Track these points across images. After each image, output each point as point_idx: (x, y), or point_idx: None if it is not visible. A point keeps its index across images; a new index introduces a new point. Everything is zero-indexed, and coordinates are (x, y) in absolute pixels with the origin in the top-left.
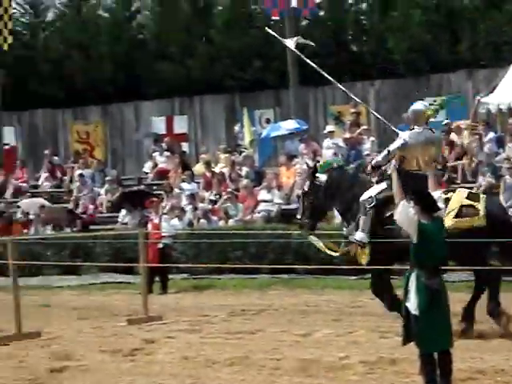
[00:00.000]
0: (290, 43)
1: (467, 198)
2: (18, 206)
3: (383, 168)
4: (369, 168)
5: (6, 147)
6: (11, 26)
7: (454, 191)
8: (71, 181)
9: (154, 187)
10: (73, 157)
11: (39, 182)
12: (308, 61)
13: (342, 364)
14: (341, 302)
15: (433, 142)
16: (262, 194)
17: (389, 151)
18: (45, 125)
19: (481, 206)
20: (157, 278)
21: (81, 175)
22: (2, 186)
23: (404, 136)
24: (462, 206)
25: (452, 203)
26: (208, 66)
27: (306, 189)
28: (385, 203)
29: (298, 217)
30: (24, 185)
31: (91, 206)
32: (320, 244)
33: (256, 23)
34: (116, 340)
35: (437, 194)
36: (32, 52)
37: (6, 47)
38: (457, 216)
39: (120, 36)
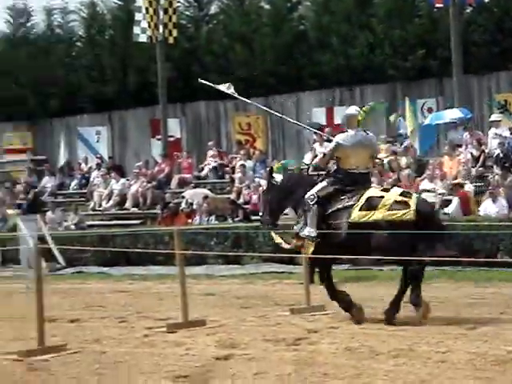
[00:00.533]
0: (223, 88)
1: (400, 195)
2: (183, 197)
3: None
4: (310, 170)
5: (171, 139)
6: (176, 19)
7: (389, 190)
8: (233, 171)
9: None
10: (235, 148)
11: (203, 173)
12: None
13: (511, 357)
14: (507, 294)
15: (366, 143)
16: (424, 184)
17: (324, 154)
18: (208, 116)
19: (412, 203)
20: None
21: (243, 166)
22: (168, 177)
23: (337, 139)
24: (395, 202)
25: (386, 199)
26: (369, 55)
27: (265, 188)
28: (326, 200)
29: (260, 214)
30: (188, 176)
31: (254, 197)
32: (278, 239)
33: (419, 11)
34: (279, 329)
35: (373, 190)
36: (196, 45)
37: (171, 40)
38: (389, 210)
39: (281, 28)
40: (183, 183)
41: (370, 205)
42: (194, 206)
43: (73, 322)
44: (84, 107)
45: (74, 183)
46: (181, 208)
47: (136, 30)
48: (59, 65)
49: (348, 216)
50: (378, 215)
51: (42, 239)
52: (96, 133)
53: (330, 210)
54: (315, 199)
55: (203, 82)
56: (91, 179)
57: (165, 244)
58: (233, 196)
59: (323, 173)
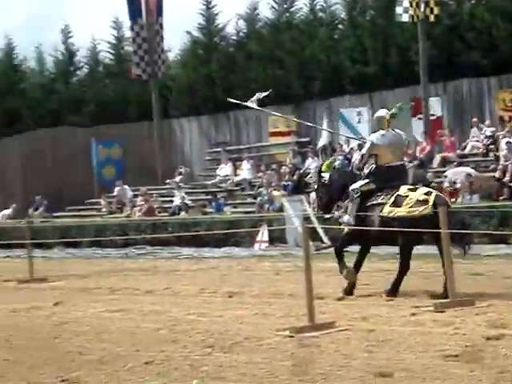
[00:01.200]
0: (251, 104)
1: (425, 194)
2: (445, 176)
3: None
4: (354, 170)
5: (433, 118)
6: None
7: (416, 189)
8: (497, 149)
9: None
10: (499, 125)
11: (466, 151)
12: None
13: None
14: None
15: (397, 140)
16: None
17: (362, 154)
18: (470, 93)
19: (431, 199)
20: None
21: (508, 143)
22: (429, 156)
23: (370, 138)
24: (417, 200)
25: (410, 197)
26: None
27: (315, 186)
28: (366, 195)
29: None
30: (451, 154)
31: None
32: None
33: None
34: None
35: (403, 189)
36: (457, 21)
37: (432, 18)
38: (411, 207)
39: None
40: (446, 162)
41: (397, 202)
42: (458, 185)
43: (339, 300)
44: (345, 89)
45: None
46: (443, 187)
47: (398, 10)
48: (322, 48)
49: (380, 210)
50: (401, 211)
51: (307, 219)
52: (357, 114)
53: (368, 204)
54: (358, 193)
55: (231, 100)
56: (353, 160)
57: None
58: (498, 174)
59: (366, 171)
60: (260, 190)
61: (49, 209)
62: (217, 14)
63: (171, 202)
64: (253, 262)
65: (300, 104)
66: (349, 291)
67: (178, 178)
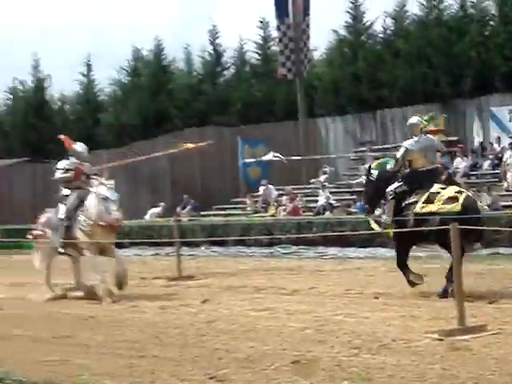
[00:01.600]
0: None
1: (456, 192)
2: None
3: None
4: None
5: None
6: None
7: (446, 188)
8: None
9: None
10: None
11: None
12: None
13: None
14: None
15: (429, 144)
16: None
17: (397, 159)
18: None
19: (461, 198)
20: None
21: None
22: None
23: (405, 144)
24: (448, 198)
25: (441, 194)
26: None
27: (364, 182)
28: (401, 195)
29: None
30: None
31: None
32: (374, 225)
33: None
34: None
35: (435, 187)
36: None
37: None
38: (442, 204)
39: None
40: None
41: (429, 199)
42: None
43: (491, 303)
44: (496, 86)
45: (486, 164)
46: None
47: None
48: (472, 44)
49: (413, 208)
50: (432, 208)
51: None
52: (509, 112)
53: (404, 204)
54: (393, 194)
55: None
56: (504, 159)
57: None
58: None
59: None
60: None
61: (196, 208)
62: (364, 13)
63: (316, 201)
64: None
65: (448, 102)
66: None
67: (322, 178)
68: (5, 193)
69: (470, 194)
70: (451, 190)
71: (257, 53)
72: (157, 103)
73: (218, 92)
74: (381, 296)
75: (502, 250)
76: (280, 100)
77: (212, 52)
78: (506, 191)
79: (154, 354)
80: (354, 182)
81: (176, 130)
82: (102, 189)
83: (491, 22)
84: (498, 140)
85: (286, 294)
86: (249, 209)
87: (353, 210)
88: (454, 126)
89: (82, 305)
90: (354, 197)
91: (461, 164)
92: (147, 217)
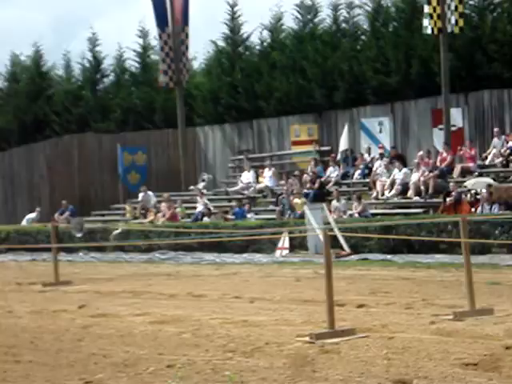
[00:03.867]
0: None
1: None
2: (465, 186)
3: None
4: None
5: (454, 128)
6: (462, 9)
7: None
8: None
9: None
10: None
11: (487, 162)
12: None
13: None
14: None
15: None
16: None
17: None
18: (491, 105)
19: None
20: None
21: None
22: (450, 166)
23: None
24: None
25: None
26: None
27: None
28: None
29: None
30: (471, 164)
31: None
32: None
33: None
34: None
35: None
36: (480, 34)
37: (457, 30)
38: None
39: None
40: (466, 172)
41: None
42: (478, 196)
43: (360, 307)
44: (367, 99)
45: (357, 173)
46: (464, 197)
47: (424, 22)
48: (344, 58)
49: None
50: None
51: (328, 227)
52: (378, 123)
53: None
54: None
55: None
56: (374, 169)
57: (448, 232)
58: None
59: None
60: (281, 197)
61: (74, 213)
62: (242, 24)
63: (194, 208)
64: (274, 269)
65: (323, 113)
66: None
67: (201, 185)
68: None
69: None
70: None
71: (136, 61)
72: (35, 108)
73: (98, 99)
74: (256, 300)
75: (370, 256)
76: (159, 108)
77: (91, 59)
78: (376, 199)
79: (29, 359)
80: (232, 189)
81: (55, 135)
82: None
83: (363, 37)
84: (369, 150)
85: (164, 299)
86: (128, 215)
87: (230, 216)
88: (326, 136)
89: None
90: (232, 204)
91: (333, 173)
92: (24, 222)
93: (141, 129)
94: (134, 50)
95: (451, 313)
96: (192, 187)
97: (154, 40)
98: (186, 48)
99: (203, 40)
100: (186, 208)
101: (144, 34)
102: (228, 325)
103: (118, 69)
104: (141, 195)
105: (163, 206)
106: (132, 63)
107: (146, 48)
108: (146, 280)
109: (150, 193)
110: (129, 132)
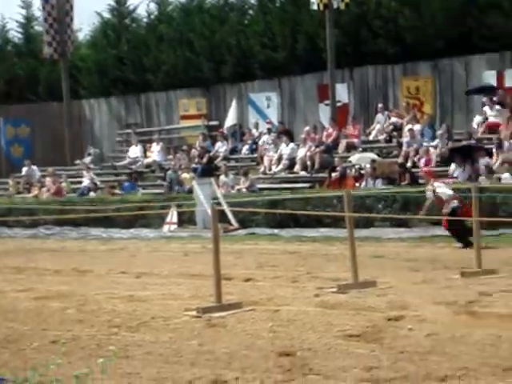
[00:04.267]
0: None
1: None
2: (350, 161)
3: None
4: None
5: (339, 104)
6: None
7: None
8: (401, 135)
9: (484, 141)
10: (403, 112)
11: (371, 137)
12: None
13: None
14: None
15: None
16: None
17: None
18: (376, 81)
19: None
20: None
21: (410, 130)
22: (335, 142)
23: None
24: None
25: None
26: None
27: None
28: None
29: None
30: (356, 140)
31: (422, 161)
32: None
33: None
34: (450, 292)
35: None
36: (365, 10)
37: (343, 7)
38: None
39: None
40: (351, 147)
41: None
42: (362, 171)
43: (247, 281)
44: (255, 73)
45: (245, 148)
46: (348, 172)
47: None
48: (232, 32)
49: None
50: None
51: (216, 202)
52: (266, 98)
53: None
54: None
55: None
56: (261, 144)
57: (333, 207)
58: (400, 160)
59: None
60: (169, 172)
61: None
62: None
63: (80, 182)
64: (162, 244)
65: (211, 88)
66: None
67: (87, 159)
68: None
69: None
70: None
71: (20, 32)
72: None
73: None
74: (143, 275)
75: (258, 230)
76: (44, 80)
77: None
78: (263, 174)
79: None
80: (120, 163)
81: None
82: None
83: (250, 11)
84: (257, 125)
85: (48, 275)
86: (11, 189)
87: (117, 191)
88: (215, 110)
89: None
90: (119, 178)
91: (221, 148)
92: None
93: (24, 101)
94: (17, 21)
95: (335, 286)
96: (78, 161)
97: (37, 11)
98: (71, 19)
99: (89, 11)
100: (72, 183)
101: (27, 5)
102: (114, 300)
103: (0, 40)
104: (24, 169)
105: (48, 180)
106: (15, 34)
107: (29, 19)
108: (31, 256)
109: (34, 167)
110: (12, 104)
